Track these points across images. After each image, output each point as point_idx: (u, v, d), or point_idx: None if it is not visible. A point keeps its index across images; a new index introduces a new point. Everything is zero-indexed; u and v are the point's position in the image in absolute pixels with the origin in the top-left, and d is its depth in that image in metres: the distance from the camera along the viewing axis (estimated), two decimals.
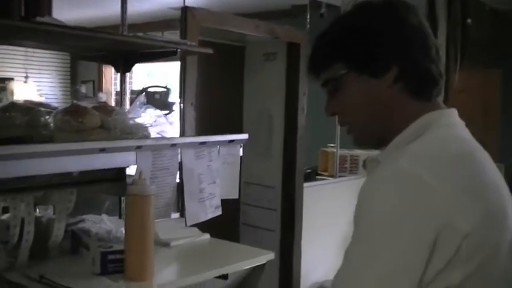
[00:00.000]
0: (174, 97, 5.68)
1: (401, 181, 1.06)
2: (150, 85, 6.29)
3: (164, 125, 2.00)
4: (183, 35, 2.60)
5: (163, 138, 1.97)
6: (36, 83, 6.53)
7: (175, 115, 2.99)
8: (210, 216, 2.19)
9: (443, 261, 1.02)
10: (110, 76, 6.75)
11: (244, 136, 2.30)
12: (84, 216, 2.14)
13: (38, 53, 6.44)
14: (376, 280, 1.02)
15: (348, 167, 4.38)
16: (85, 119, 1.84)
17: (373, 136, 1.24)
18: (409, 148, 1.13)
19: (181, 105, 2.68)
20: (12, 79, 6.09)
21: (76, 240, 2.01)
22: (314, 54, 1.26)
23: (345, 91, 1.21)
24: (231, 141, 2.24)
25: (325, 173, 4.39)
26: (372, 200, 1.07)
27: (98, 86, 6.83)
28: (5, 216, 1.92)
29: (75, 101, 1.98)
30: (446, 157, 1.11)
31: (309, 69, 1.27)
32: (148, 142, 1.90)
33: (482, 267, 1.05)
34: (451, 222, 1.02)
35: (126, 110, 1.99)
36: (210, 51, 2.31)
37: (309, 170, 4.14)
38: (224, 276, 1.98)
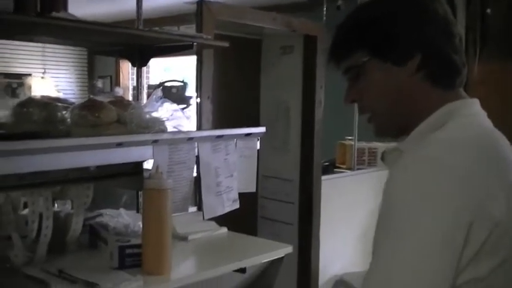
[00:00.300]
0: (191, 91, 5.68)
1: (433, 168, 1.04)
2: (167, 79, 6.31)
3: (181, 119, 2.00)
4: (199, 29, 2.59)
5: (180, 132, 1.96)
6: (53, 78, 6.57)
7: (192, 109, 2.98)
8: (227, 209, 2.18)
9: (474, 250, 1.01)
10: (127, 71, 6.77)
11: (262, 129, 2.29)
12: (101, 211, 2.14)
13: (55, 49, 6.49)
14: (414, 271, 1.00)
15: (366, 160, 4.35)
16: (102, 113, 1.84)
17: (394, 125, 1.22)
18: (435, 136, 1.11)
19: (198, 99, 2.67)
20: (30, 75, 6.13)
21: (94, 235, 2.02)
22: (336, 41, 1.25)
23: (366, 79, 1.19)
24: (248, 134, 2.23)
25: (343, 166, 4.36)
26: (404, 190, 1.05)
27: (115, 81, 6.85)
28: (24, 212, 1.93)
29: (91, 96, 1.98)
30: (473, 144, 1.10)
31: (330, 57, 1.26)
32: (165, 136, 1.90)
33: (506, 259, 1.04)
34: (484, 209, 1.01)
35: (143, 104, 1.98)
36: (226, 44, 2.30)
37: (326, 163, 4.12)
38: (242, 270, 1.97)
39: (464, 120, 1.15)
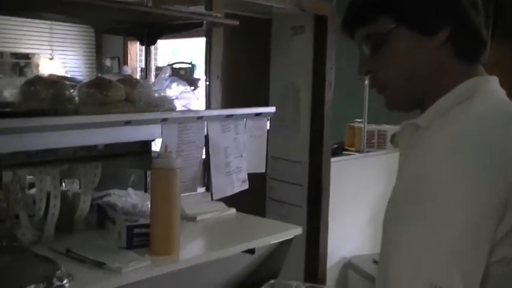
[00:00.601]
0: (199, 74, 5.65)
1: (464, 144, 1.00)
2: (175, 61, 6.27)
3: (190, 98, 1.97)
4: (208, 7, 2.56)
5: (189, 111, 1.94)
6: (61, 59, 6.54)
7: (200, 91, 2.95)
8: (236, 190, 2.16)
9: (508, 227, 0.98)
10: (135, 53, 6.72)
11: (271, 109, 2.26)
12: (109, 191, 2.13)
13: (63, 29, 6.44)
14: (445, 251, 0.96)
15: (376, 142, 4.31)
16: (110, 91, 1.81)
17: (410, 98, 1.18)
18: (461, 111, 1.07)
19: (207, 79, 2.64)
20: (37, 55, 6.09)
21: (102, 214, 2.01)
22: (358, 4, 1.18)
23: (389, 47, 1.14)
24: (258, 114, 2.20)
25: (352, 149, 4.33)
26: (435, 170, 0.99)
27: (123, 62, 6.81)
28: (32, 191, 1.91)
29: (100, 74, 1.96)
30: (501, 120, 1.06)
31: (349, 21, 1.19)
32: (174, 115, 1.87)
33: None
34: None
35: (151, 83, 1.95)
36: (236, 22, 2.27)
37: (335, 146, 4.09)
38: (251, 251, 1.96)
39: (489, 96, 1.11)
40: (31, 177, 1.88)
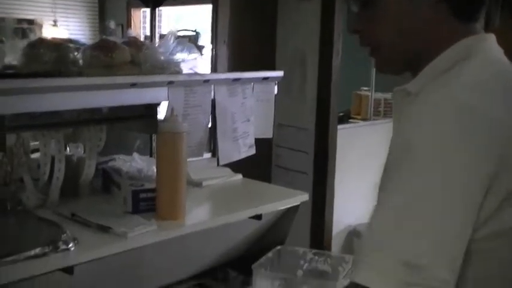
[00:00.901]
0: (204, 41, 5.59)
1: (454, 110, 0.94)
2: (179, 29, 6.21)
3: (196, 61, 1.93)
4: None
5: (196, 74, 1.90)
6: (64, 26, 6.48)
7: (205, 59, 2.91)
8: (243, 155, 2.13)
9: (497, 201, 0.93)
10: (139, 20, 6.66)
11: (279, 73, 2.22)
12: (114, 156, 2.10)
13: None
14: (430, 217, 0.92)
15: (382, 111, 4.28)
16: (115, 53, 1.77)
17: (401, 59, 1.11)
18: (454, 74, 1.01)
19: (213, 45, 2.60)
20: (40, 20, 6.03)
21: (107, 179, 1.98)
22: None
23: (381, 4, 1.07)
24: (266, 78, 2.16)
25: (358, 117, 4.29)
26: (422, 133, 0.95)
27: (126, 30, 6.75)
28: (35, 155, 1.88)
29: (104, 36, 1.91)
30: (498, 85, 1.00)
31: None
32: (180, 78, 1.84)
33: None
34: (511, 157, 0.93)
35: (157, 45, 1.91)
36: None
37: (341, 114, 4.04)
38: (258, 217, 1.93)
39: (485, 56, 1.04)
40: (35, 143, 1.85)
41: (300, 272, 1.87)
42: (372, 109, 4.18)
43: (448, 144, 0.93)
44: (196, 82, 1.89)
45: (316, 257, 1.91)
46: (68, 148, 1.97)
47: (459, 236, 0.92)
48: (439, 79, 1.02)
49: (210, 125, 2.02)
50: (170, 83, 1.80)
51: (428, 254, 0.90)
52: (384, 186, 1.00)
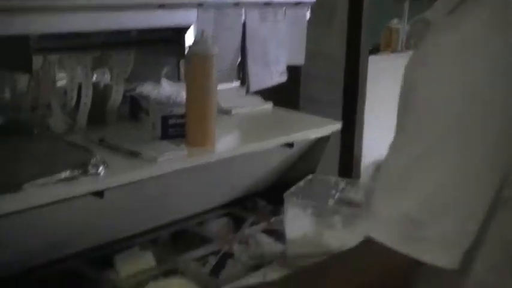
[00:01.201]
0: None
1: (472, 55, 0.86)
2: None
3: None
4: None
5: None
6: None
7: None
8: (275, 81, 2.06)
9: None
10: None
11: None
12: (142, 83, 2.05)
13: None
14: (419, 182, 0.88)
15: (413, 44, 4.17)
16: None
17: None
18: (474, 7, 0.91)
19: None
20: None
21: (135, 106, 1.94)
22: None
23: None
24: (298, 3, 2.07)
25: (389, 49, 4.19)
26: (424, 82, 0.89)
27: None
28: (62, 82, 1.84)
29: None
30: None
31: None
32: None
33: None
34: None
35: None
36: None
37: (370, 48, 3.95)
38: (290, 145, 1.89)
39: None
40: (61, 75, 1.80)
41: (331, 201, 1.84)
42: (404, 41, 4.07)
43: (456, 94, 0.87)
44: (226, 5, 1.81)
45: (348, 187, 1.86)
46: (94, 75, 1.92)
47: (479, 192, 0.87)
48: (455, 13, 0.94)
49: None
50: (200, 4, 1.72)
51: (437, 208, 0.87)
52: (402, 121, 0.96)
